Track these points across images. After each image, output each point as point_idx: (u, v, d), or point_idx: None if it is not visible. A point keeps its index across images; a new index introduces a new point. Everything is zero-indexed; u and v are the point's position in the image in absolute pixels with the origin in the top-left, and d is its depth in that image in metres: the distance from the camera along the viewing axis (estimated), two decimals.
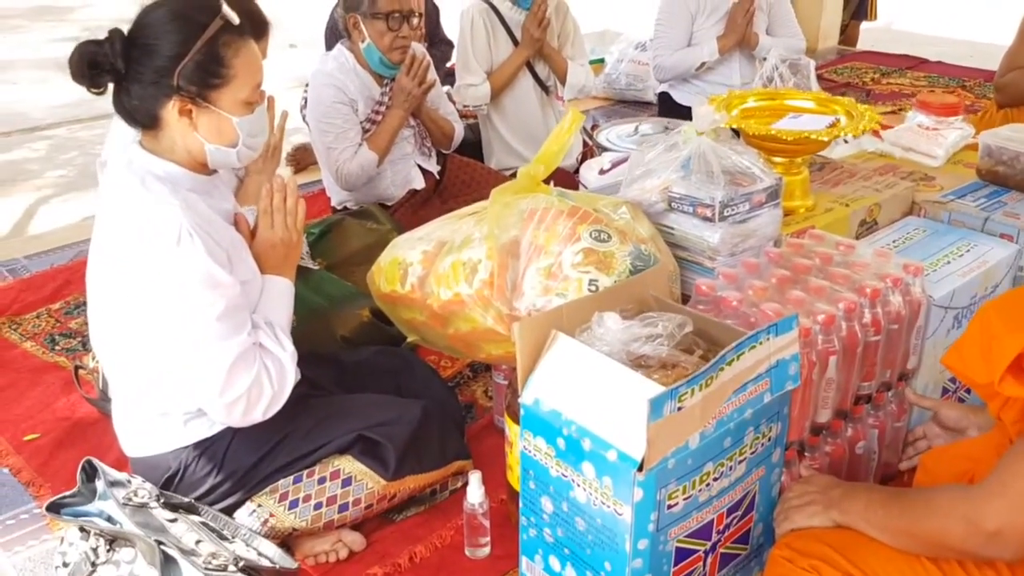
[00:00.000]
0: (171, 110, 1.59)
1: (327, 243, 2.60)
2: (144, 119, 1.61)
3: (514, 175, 3.36)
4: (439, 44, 4.18)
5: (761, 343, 1.47)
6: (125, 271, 1.59)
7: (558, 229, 1.77)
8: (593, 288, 1.70)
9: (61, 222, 4.02)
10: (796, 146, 2.02)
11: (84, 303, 2.84)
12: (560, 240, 1.75)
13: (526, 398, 1.51)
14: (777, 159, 2.09)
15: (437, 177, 3.19)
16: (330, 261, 2.56)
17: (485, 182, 3.26)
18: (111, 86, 1.61)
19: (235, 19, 1.63)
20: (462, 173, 3.27)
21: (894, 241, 2.10)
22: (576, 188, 3.01)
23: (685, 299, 1.94)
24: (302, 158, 4.02)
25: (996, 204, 2.22)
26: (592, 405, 1.42)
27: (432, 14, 4.14)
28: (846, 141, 2.43)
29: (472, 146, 3.55)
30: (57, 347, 2.61)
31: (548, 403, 1.48)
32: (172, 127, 1.61)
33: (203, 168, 1.69)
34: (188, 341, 1.58)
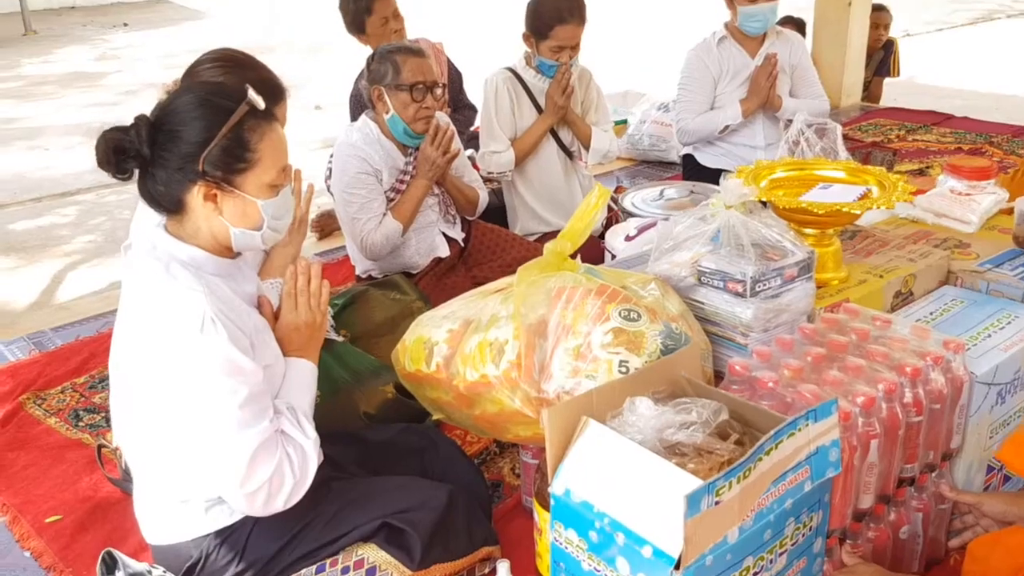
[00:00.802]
0: (196, 195, 1.58)
1: (351, 314, 2.58)
2: (169, 204, 1.61)
3: (539, 240, 3.43)
4: (462, 109, 4.20)
5: (800, 430, 1.42)
6: (147, 358, 1.57)
7: (586, 308, 1.73)
8: (623, 370, 1.66)
9: (88, 288, 4.05)
10: (828, 218, 1.98)
11: (108, 376, 2.85)
12: (589, 320, 1.72)
13: (556, 488, 1.46)
14: (808, 231, 2.05)
15: (462, 244, 3.18)
16: (354, 333, 2.54)
17: (510, 248, 3.25)
18: (136, 171, 1.60)
19: (260, 104, 1.63)
20: (487, 239, 3.25)
21: (931, 313, 2.04)
22: (602, 255, 2.99)
23: (717, 376, 1.89)
24: (326, 225, 4.04)
25: None
26: (626, 497, 1.37)
27: (455, 80, 4.17)
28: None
29: (496, 211, 3.55)
30: (81, 423, 2.59)
31: (579, 494, 1.43)
32: (197, 212, 1.61)
33: (227, 251, 1.68)
34: (209, 429, 1.55)
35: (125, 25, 12.96)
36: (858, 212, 1.94)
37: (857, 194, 2.05)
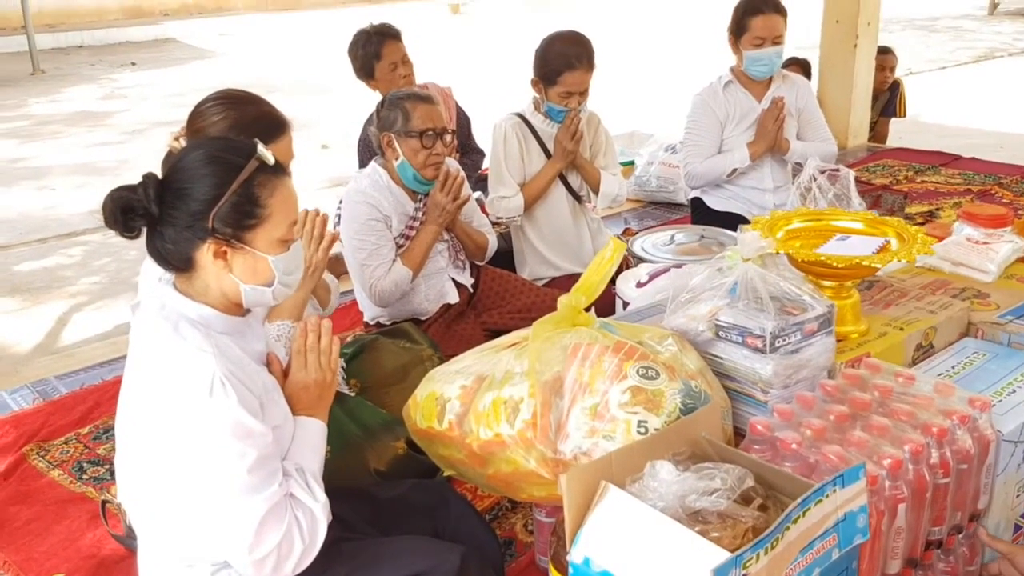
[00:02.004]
0: (206, 253, 1.56)
1: (361, 364, 2.54)
2: (178, 262, 1.58)
3: (548, 284, 3.40)
4: (471, 153, 4.20)
5: (828, 496, 1.37)
6: (155, 420, 1.53)
7: (603, 366, 1.69)
8: (642, 430, 1.62)
9: (93, 331, 4.03)
10: (847, 271, 1.95)
11: (113, 427, 2.80)
12: (606, 378, 1.68)
13: (575, 556, 1.42)
14: (826, 283, 2.01)
15: (471, 290, 3.15)
16: (364, 382, 2.50)
17: (519, 294, 3.22)
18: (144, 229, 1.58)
19: (270, 159, 1.61)
20: (496, 285, 3.23)
21: (953, 367, 2.00)
22: (612, 301, 2.96)
23: (737, 433, 1.85)
24: (333, 268, 3.99)
25: None
26: (649, 568, 1.32)
27: (464, 124, 4.17)
28: None
29: (504, 256, 3.52)
30: (85, 476, 2.55)
31: (599, 563, 1.38)
32: (206, 269, 1.58)
33: (237, 308, 1.65)
34: (217, 494, 1.51)
35: (133, 64, 13.07)
36: (879, 266, 1.90)
37: (876, 246, 2.02)
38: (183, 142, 2.12)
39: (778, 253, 1.95)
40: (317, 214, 2.25)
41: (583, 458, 1.63)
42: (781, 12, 3.61)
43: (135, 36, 15.91)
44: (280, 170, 1.64)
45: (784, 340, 1.81)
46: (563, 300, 1.86)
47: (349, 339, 3.18)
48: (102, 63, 13.41)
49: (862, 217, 2.17)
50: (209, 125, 2.08)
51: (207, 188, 1.54)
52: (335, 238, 2.30)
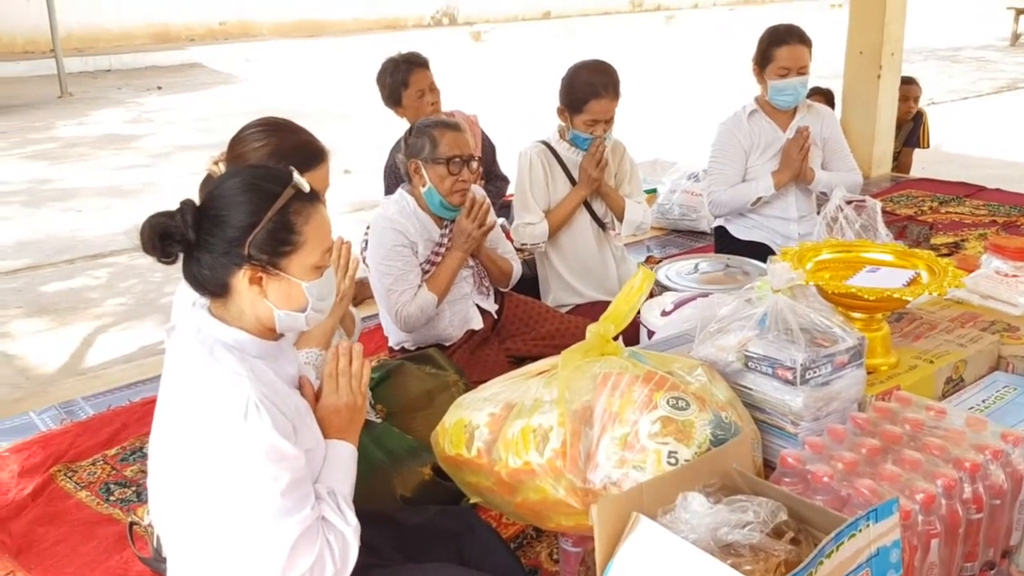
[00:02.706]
0: (241, 279, 1.58)
1: (387, 389, 2.55)
2: (214, 287, 1.60)
3: (571, 311, 3.40)
4: (495, 180, 4.23)
5: (861, 530, 1.37)
6: (190, 443, 1.54)
7: (633, 396, 1.70)
8: (672, 461, 1.62)
9: (119, 353, 4.06)
10: (878, 304, 1.94)
11: (140, 448, 2.83)
12: (636, 408, 1.68)
13: None
14: (856, 315, 2.01)
15: (495, 316, 3.16)
16: (390, 408, 2.51)
17: (543, 321, 3.22)
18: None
19: (306, 187, 1.63)
20: (519, 311, 3.24)
21: (983, 401, 1.99)
22: (636, 329, 2.95)
23: (767, 465, 1.85)
24: (358, 293, 4.02)
25: None
26: None
27: (489, 151, 4.20)
28: None
29: (528, 282, 3.53)
30: (112, 497, 2.56)
31: None
32: (242, 295, 1.60)
33: (270, 333, 1.66)
34: (250, 517, 1.51)
35: (159, 88, 13.24)
36: (910, 299, 1.90)
37: (906, 278, 2.02)
38: (222, 167, 2.14)
39: (808, 284, 1.95)
40: (342, 242, 2.27)
41: (613, 488, 1.63)
42: (806, 43, 3.63)
43: (161, 61, 16.14)
44: (315, 197, 1.66)
45: (814, 372, 1.80)
46: (592, 329, 1.86)
47: (375, 364, 3.20)
48: (129, 87, 13.60)
49: (892, 249, 2.17)
50: (250, 151, 2.11)
51: (244, 215, 1.56)
52: (358, 264, 2.31)
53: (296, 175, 1.64)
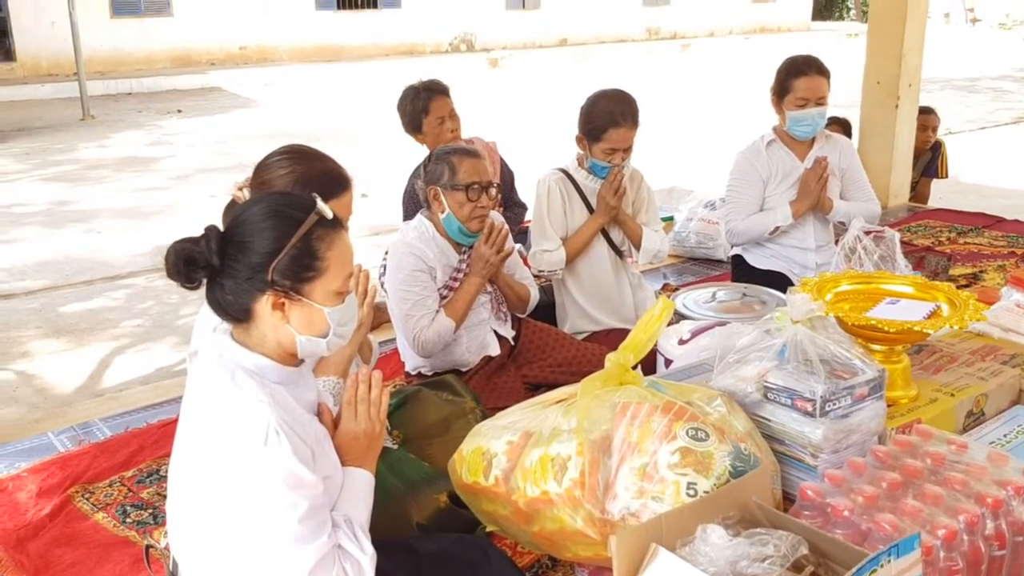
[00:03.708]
0: (264, 304, 1.59)
1: (403, 415, 2.55)
2: (237, 313, 1.61)
3: (588, 338, 3.40)
4: (513, 207, 4.24)
5: (882, 566, 1.36)
6: (210, 468, 1.55)
7: (652, 426, 1.69)
8: (691, 492, 1.61)
9: (135, 374, 4.09)
10: (898, 336, 1.93)
11: (157, 471, 2.84)
12: (655, 438, 1.68)
13: None
14: (876, 347, 2.00)
15: (512, 343, 3.16)
16: (407, 434, 2.51)
17: (560, 348, 3.22)
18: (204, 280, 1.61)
19: (329, 214, 1.64)
20: (536, 338, 3.24)
21: (1005, 435, 1.98)
22: (654, 358, 2.95)
23: (786, 497, 1.84)
24: (376, 317, 4.03)
25: None
26: None
27: (507, 178, 4.22)
28: None
29: (545, 309, 3.53)
30: (128, 519, 2.57)
31: None
32: (264, 320, 1.61)
33: (292, 359, 1.67)
34: (268, 544, 1.52)
35: (179, 112, 13.41)
36: (931, 332, 1.89)
37: (926, 311, 2.01)
38: (247, 193, 2.16)
39: (827, 316, 1.95)
40: (360, 269, 2.27)
41: (631, 519, 1.63)
42: (824, 74, 3.64)
43: (182, 84, 16.37)
44: (338, 224, 1.67)
45: (834, 404, 1.79)
46: (611, 358, 1.86)
47: (392, 389, 3.20)
48: (149, 110, 13.79)
49: (912, 281, 2.16)
50: (275, 178, 2.13)
51: (268, 241, 1.58)
52: (376, 292, 2.32)
53: (319, 202, 1.65)
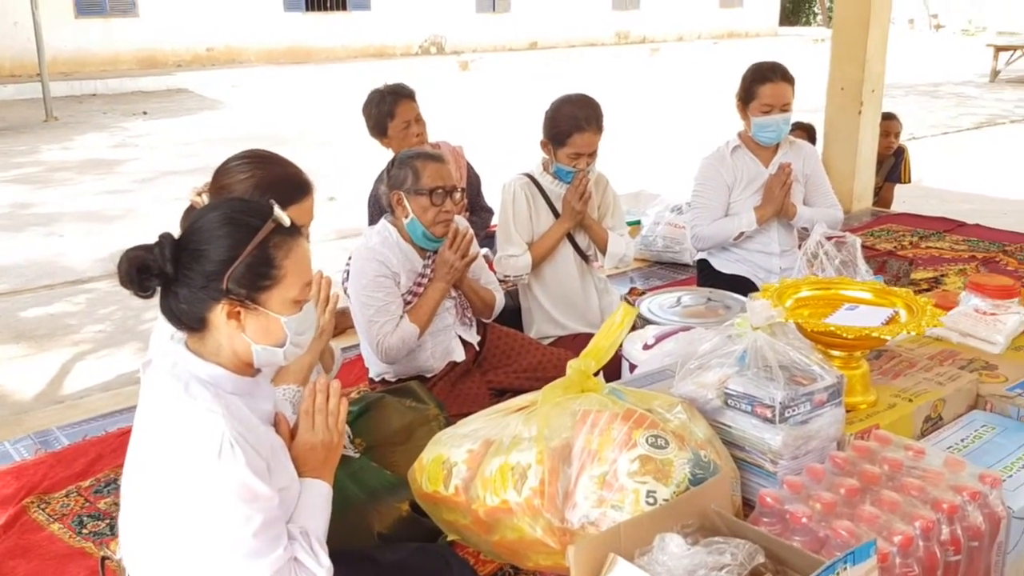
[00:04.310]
0: (219, 313, 1.56)
1: (366, 422, 2.53)
2: (191, 322, 1.58)
3: (554, 343, 3.39)
4: (480, 211, 4.23)
5: (838, 573, 1.36)
6: (162, 479, 1.52)
7: (613, 434, 1.69)
8: (651, 500, 1.61)
9: (96, 380, 4.02)
10: (856, 342, 1.95)
11: (114, 480, 2.79)
12: (615, 446, 1.67)
13: None
14: (835, 352, 2.01)
15: (477, 348, 3.15)
16: (369, 442, 2.48)
17: (525, 353, 3.22)
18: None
19: (286, 221, 1.62)
20: (502, 343, 3.23)
21: (962, 440, 1.99)
22: (618, 363, 2.95)
23: (746, 503, 1.84)
24: (340, 322, 4.01)
25: None
26: None
27: (474, 182, 4.21)
28: None
29: (511, 314, 3.52)
30: (85, 530, 2.52)
31: None
32: (219, 329, 1.58)
33: (247, 368, 1.65)
34: (222, 557, 1.49)
35: (144, 114, 13.25)
36: (888, 338, 1.91)
37: (884, 316, 2.03)
38: (205, 198, 2.13)
39: (787, 322, 1.96)
40: (321, 276, 2.25)
41: (591, 528, 1.62)
42: (789, 80, 3.67)
43: (148, 86, 16.17)
44: (295, 231, 1.65)
45: (794, 410, 1.80)
46: (572, 365, 1.86)
47: (355, 395, 3.18)
48: (114, 111, 13.60)
49: (871, 287, 2.18)
50: (235, 183, 2.10)
51: (223, 249, 1.55)
52: (338, 299, 2.30)
53: (277, 209, 1.63)
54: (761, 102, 3.64)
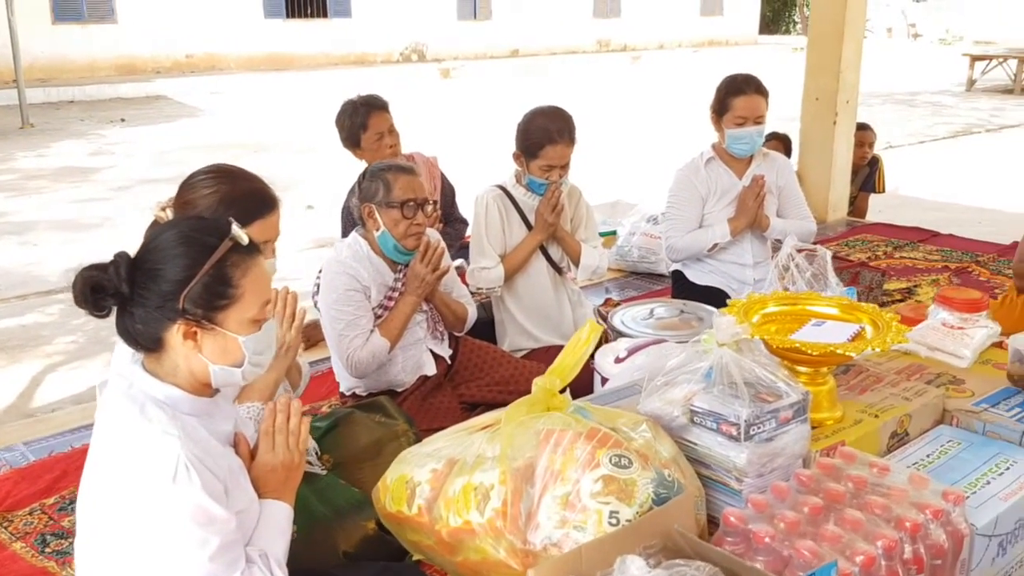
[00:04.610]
0: (175, 333, 1.54)
1: (334, 439, 2.50)
2: (147, 342, 1.56)
3: (527, 356, 3.38)
4: (454, 223, 4.22)
5: None
6: (116, 502, 1.50)
7: (576, 453, 1.68)
8: (614, 521, 1.60)
9: (67, 392, 3.98)
10: (821, 359, 1.95)
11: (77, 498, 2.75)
12: (578, 466, 1.66)
13: None
14: (801, 368, 2.01)
15: (449, 361, 3.13)
16: (337, 458, 2.45)
17: (497, 366, 3.20)
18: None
19: (244, 239, 1.60)
20: (474, 356, 3.21)
21: (928, 455, 2.00)
22: (591, 376, 2.94)
23: (710, 520, 1.83)
24: (311, 335, 3.98)
25: None
26: None
27: (448, 194, 4.20)
28: None
29: (484, 326, 3.51)
30: (48, 549, 2.48)
31: None
32: (176, 350, 1.56)
33: (205, 389, 1.63)
34: None
35: (122, 121, 13.16)
36: (853, 355, 1.91)
37: (850, 332, 2.03)
38: (169, 213, 2.11)
39: (753, 338, 1.95)
40: (287, 293, 2.23)
41: (553, 549, 1.61)
42: (763, 93, 3.68)
43: (126, 93, 16.07)
44: (254, 250, 1.63)
45: (759, 428, 1.79)
46: (538, 382, 1.85)
47: (325, 410, 3.15)
48: (92, 119, 13.50)
49: (838, 302, 2.18)
50: (199, 198, 2.07)
51: (179, 268, 1.53)
52: (304, 315, 2.27)
53: (235, 227, 1.61)
54: (735, 114, 3.65)
